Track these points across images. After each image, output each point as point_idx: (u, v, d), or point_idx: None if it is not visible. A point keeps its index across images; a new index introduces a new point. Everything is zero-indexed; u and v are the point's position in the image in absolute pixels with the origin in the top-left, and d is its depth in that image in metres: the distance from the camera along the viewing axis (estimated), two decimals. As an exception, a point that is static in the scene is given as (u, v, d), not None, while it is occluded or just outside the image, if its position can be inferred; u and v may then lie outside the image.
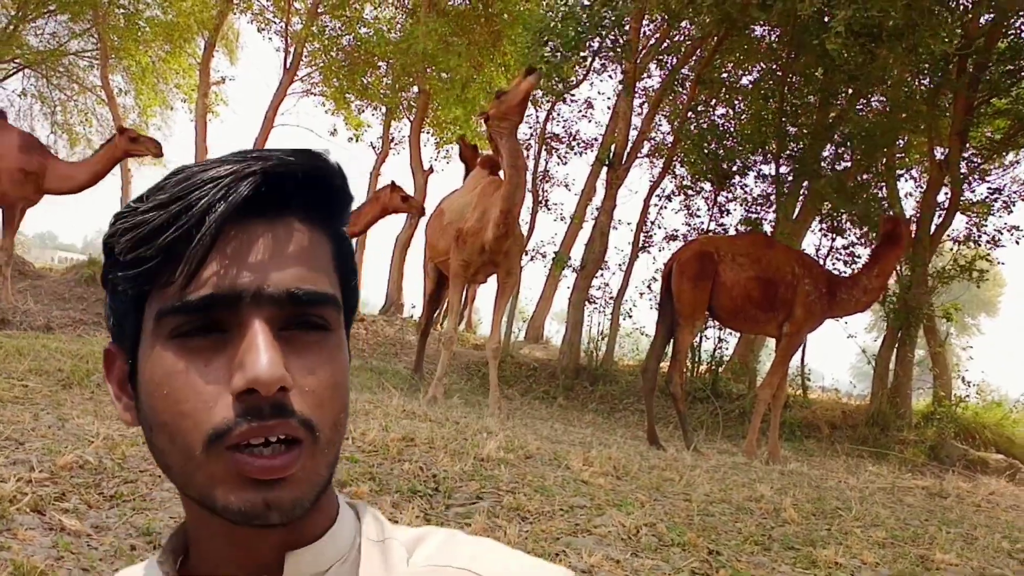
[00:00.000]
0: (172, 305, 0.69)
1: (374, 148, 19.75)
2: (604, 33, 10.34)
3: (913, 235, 10.87)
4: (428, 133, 18.29)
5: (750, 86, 13.15)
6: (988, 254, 11.19)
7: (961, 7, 10.21)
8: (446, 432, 5.52)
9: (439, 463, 4.39)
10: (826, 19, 7.59)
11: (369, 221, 10.74)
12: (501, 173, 8.37)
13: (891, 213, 9.02)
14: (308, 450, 0.70)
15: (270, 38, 18.83)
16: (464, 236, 7.62)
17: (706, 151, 12.00)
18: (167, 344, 0.70)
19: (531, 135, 14.43)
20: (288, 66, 18.57)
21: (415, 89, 17.32)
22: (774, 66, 12.56)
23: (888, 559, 3.99)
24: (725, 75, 13.05)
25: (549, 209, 13.36)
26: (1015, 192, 11.44)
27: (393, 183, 10.06)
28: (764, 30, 12.24)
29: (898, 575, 3.74)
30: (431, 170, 17.62)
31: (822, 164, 11.47)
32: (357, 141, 19.73)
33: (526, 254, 12.47)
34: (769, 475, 6.34)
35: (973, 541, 4.77)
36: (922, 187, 12.23)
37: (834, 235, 11.85)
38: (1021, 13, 10.08)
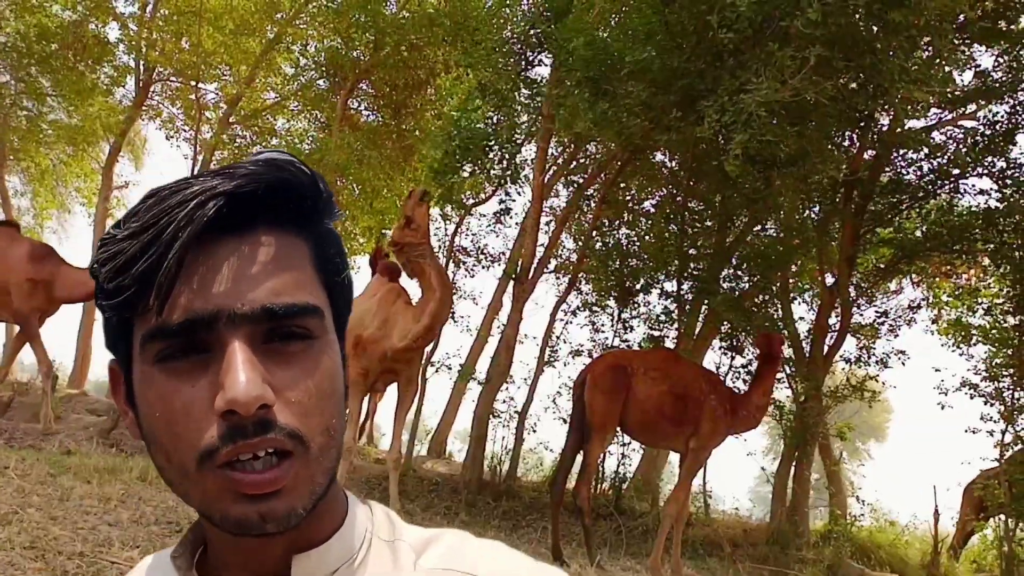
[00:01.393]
0: (152, 331, 0.71)
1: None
2: (511, 151, 10.64)
3: (807, 355, 11.29)
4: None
5: (653, 210, 13.66)
6: (877, 375, 11.64)
7: (847, 140, 10.97)
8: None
9: None
10: (723, 143, 7.99)
11: None
12: (402, 280, 8.38)
13: (768, 332, 9.33)
14: (300, 460, 0.71)
15: (178, 145, 18.72)
16: (364, 344, 7.48)
17: (610, 269, 12.28)
18: (154, 368, 0.72)
19: (439, 247, 14.58)
20: (195, 172, 18.41)
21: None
22: (675, 191, 13.11)
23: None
24: (629, 197, 13.53)
25: (456, 322, 13.36)
26: (899, 317, 12.05)
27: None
28: (665, 156, 12.82)
29: None
30: (339, 281, 17.43)
31: (721, 284, 11.86)
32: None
33: (431, 366, 12.37)
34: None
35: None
36: (814, 310, 12.75)
37: (734, 354, 12.14)
38: (901, 150, 10.88)
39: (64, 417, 12.07)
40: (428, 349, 12.22)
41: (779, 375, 11.73)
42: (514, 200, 12.45)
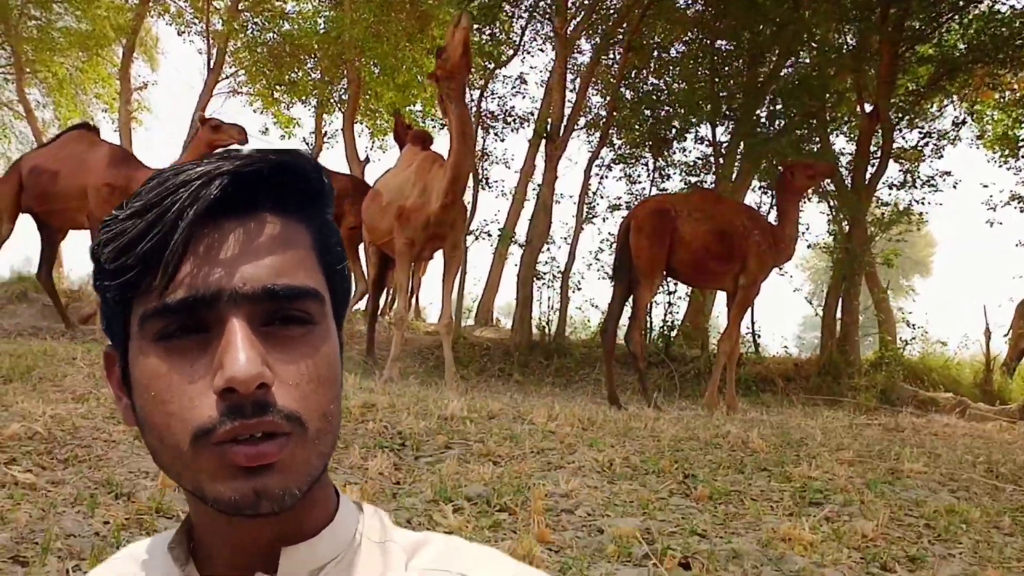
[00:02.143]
0: (153, 308, 0.70)
1: (307, 144, 19.44)
2: None
3: (850, 184, 11.09)
4: (361, 124, 18.05)
5: (680, 56, 13.23)
6: (923, 199, 11.42)
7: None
8: (407, 399, 5.44)
9: (403, 423, 4.30)
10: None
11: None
12: (434, 148, 8.30)
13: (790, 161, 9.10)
14: (297, 439, 0.70)
15: (191, 40, 18.39)
16: (407, 213, 7.49)
17: (642, 119, 12.04)
18: (152, 347, 0.71)
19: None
20: (211, 67, 18.16)
21: (345, 82, 17.09)
22: (702, 34, 12.66)
23: (858, 472, 4.01)
24: (655, 44, 13.08)
25: (490, 187, 13.26)
26: (943, 137, 11.71)
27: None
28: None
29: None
30: (367, 160, 17.40)
31: (757, 123, 11.58)
32: (289, 138, 19.41)
33: (471, 234, 12.38)
34: (731, 420, 6.39)
35: (936, 457, 4.84)
36: (854, 141, 12.43)
37: (774, 192, 11.94)
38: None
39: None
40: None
41: (823, 208, 11.62)
42: (535, 58, 12.12)
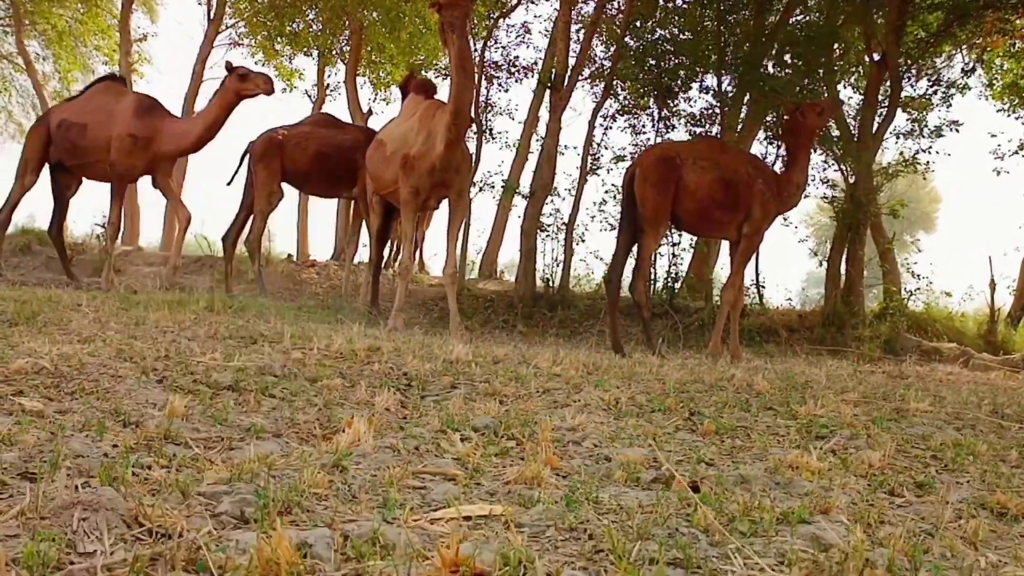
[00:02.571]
0: None
1: (309, 96, 19.30)
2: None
3: (856, 134, 10.98)
4: (364, 76, 17.89)
5: (685, 5, 13.02)
6: (929, 147, 11.30)
7: None
8: (412, 344, 5.45)
9: (408, 364, 4.30)
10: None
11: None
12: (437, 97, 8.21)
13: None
14: None
15: (191, -10, 18.19)
16: (412, 161, 7.44)
17: (647, 67, 11.89)
18: None
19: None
20: (212, 17, 17.96)
21: (347, 33, 16.91)
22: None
23: (864, 411, 4.01)
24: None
25: (494, 138, 13.15)
26: (951, 87, 11.56)
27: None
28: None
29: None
30: (370, 112, 17.29)
31: (763, 72, 11.43)
32: (291, 91, 19.25)
33: (474, 185, 12.29)
34: (736, 367, 6.40)
35: (941, 399, 4.84)
36: (861, 92, 12.28)
37: (779, 142, 11.84)
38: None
39: (123, 270, 12.41)
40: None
41: (826, 155, 11.51)
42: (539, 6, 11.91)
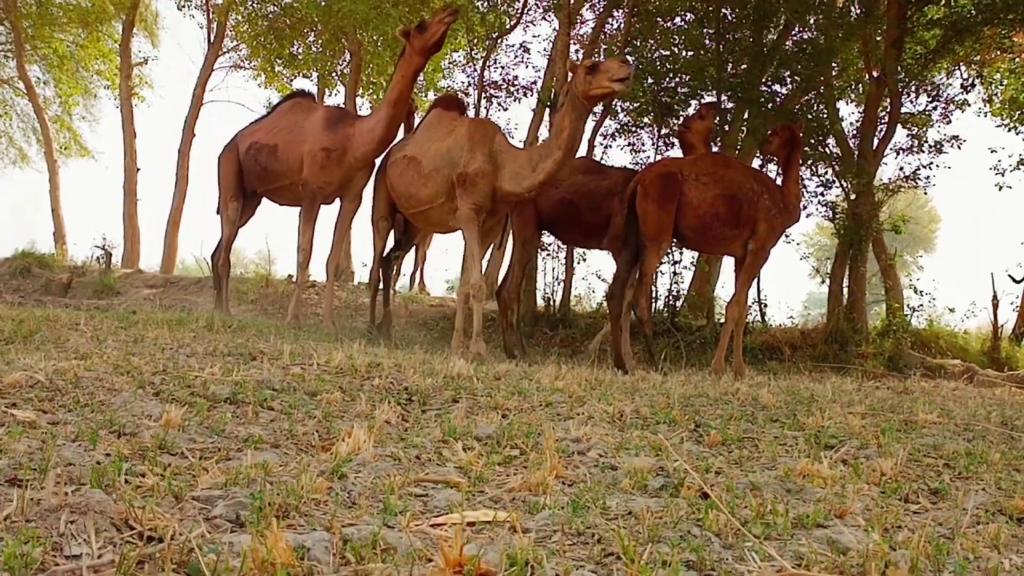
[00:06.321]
0: None
1: (309, 118, 19.30)
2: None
3: (856, 150, 10.97)
4: (363, 98, 17.93)
5: (684, 24, 13.06)
6: (931, 163, 11.28)
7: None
8: (413, 360, 5.39)
9: (409, 379, 4.24)
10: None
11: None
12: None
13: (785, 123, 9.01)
14: None
15: (191, 14, 18.24)
16: (471, 179, 7.19)
17: (647, 87, 11.90)
18: None
19: (469, 83, 14.25)
20: (212, 41, 18.03)
21: (346, 55, 16.97)
22: (706, 2, 12.49)
23: (872, 423, 3.95)
24: (660, 2, 12.89)
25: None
26: (951, 102, 11.55)
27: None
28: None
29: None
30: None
31: (762, 90, 11.43)
32: (291, 113, 19.27)
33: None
34: (740, 382, 6.33)
35: (950, 412, 4.78)
36: (860, 108, 12.29)
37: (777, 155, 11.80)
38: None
39: (123, 292, 12.38)
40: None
41: (827, 173, 11.50)
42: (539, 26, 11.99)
